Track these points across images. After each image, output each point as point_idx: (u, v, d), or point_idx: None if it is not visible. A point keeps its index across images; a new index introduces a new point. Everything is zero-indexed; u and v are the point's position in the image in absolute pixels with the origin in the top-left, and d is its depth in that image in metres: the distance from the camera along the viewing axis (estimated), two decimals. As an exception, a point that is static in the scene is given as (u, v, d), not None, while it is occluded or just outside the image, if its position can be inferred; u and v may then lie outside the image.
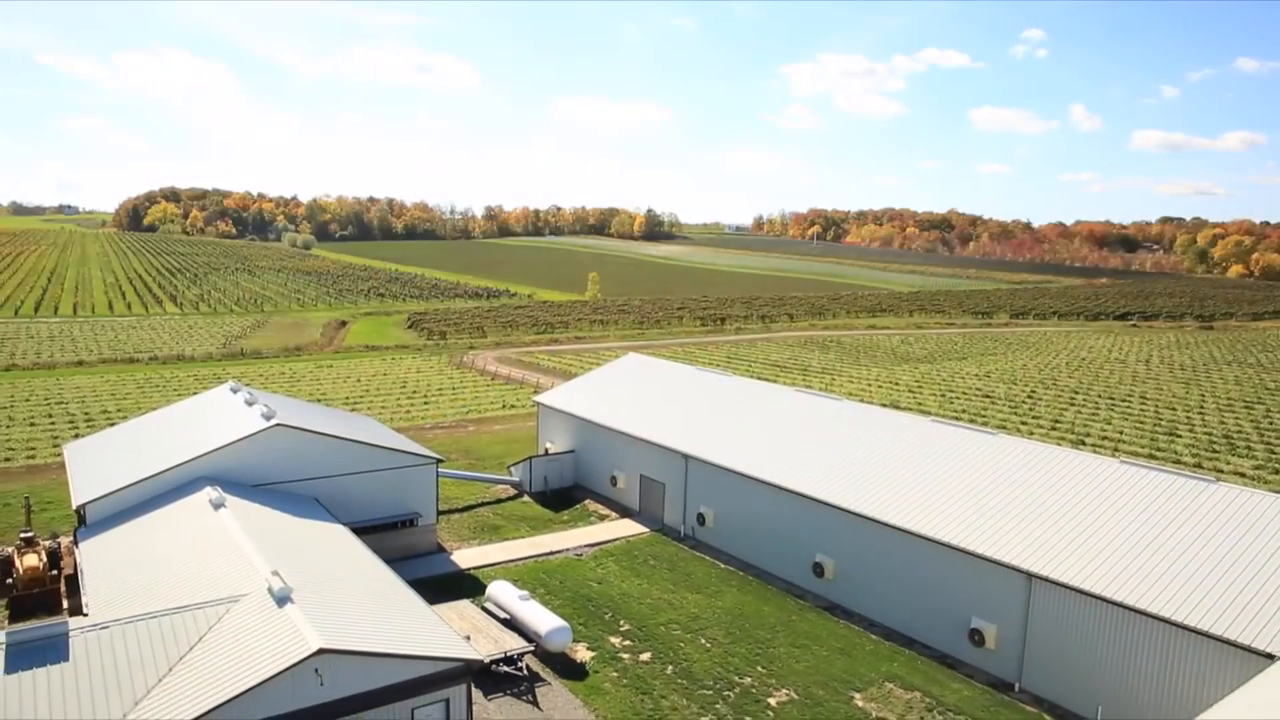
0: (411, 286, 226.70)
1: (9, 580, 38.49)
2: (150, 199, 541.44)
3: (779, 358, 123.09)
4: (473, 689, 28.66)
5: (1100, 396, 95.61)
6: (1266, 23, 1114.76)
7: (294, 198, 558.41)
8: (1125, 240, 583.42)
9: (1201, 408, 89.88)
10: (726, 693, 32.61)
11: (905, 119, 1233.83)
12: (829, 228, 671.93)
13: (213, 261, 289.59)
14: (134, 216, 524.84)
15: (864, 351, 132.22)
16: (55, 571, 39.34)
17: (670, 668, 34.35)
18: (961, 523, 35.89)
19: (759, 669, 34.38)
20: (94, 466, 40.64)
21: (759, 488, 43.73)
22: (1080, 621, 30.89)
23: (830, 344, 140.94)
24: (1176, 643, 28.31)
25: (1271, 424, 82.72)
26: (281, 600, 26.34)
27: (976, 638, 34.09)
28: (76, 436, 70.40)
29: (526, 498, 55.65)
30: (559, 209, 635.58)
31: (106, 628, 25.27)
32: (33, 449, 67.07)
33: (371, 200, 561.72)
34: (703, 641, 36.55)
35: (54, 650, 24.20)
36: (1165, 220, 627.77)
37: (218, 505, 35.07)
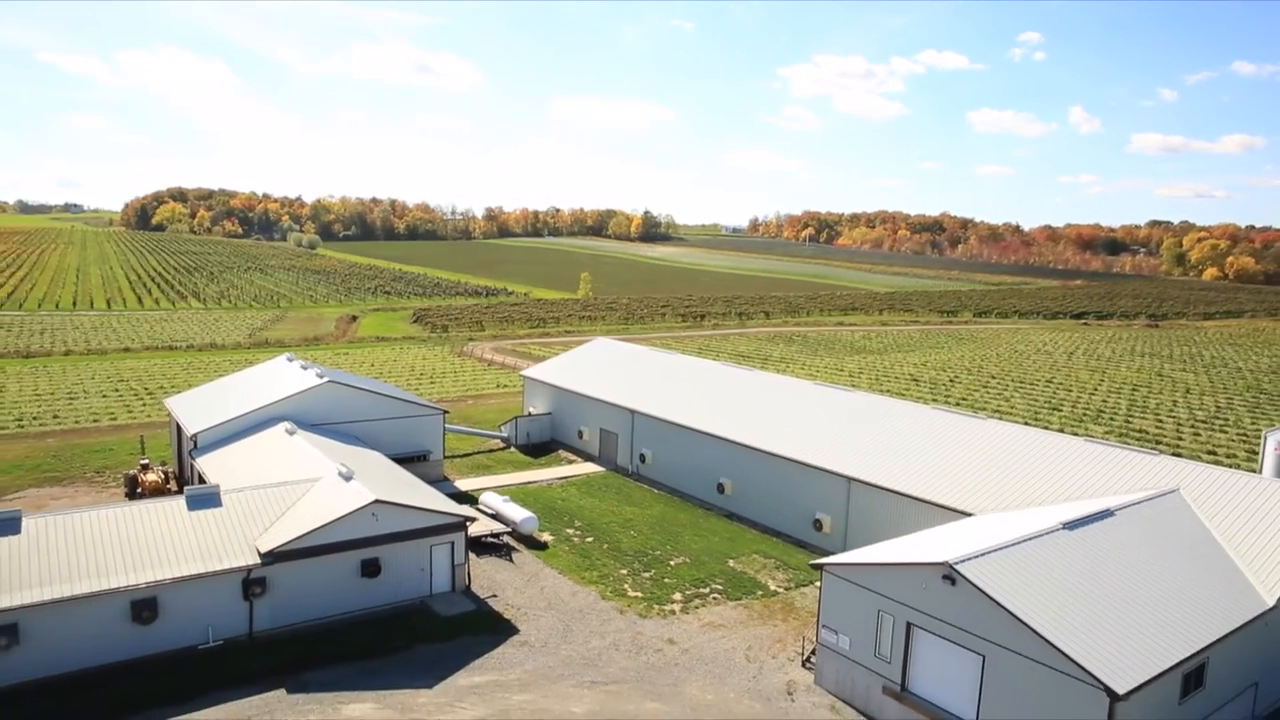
0: (415, 285, 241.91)
1: (138, 491, 53.61)
2: (158, 199, 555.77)
3: (745, 349, 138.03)
4: (468, 550, 43.71)
5: (1013, 381, 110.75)
6: (1262, 26, 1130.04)
7: (298, 198, 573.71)
8: (1113, 243, 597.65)
9: (1094, 390, 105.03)
10: (642, 558, 47.71)
11: (905, 120, 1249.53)
12: (822, 230, 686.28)
13: (225, 261, 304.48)
14: (142, 216, 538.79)
15: (824, 345, 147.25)
16: (169, 485, 54.62)
17: (606, 545, 49.48)
18: (815, 449, 50.98)
19: (667, 547, 49.52)
20: (194, 411, 55.79)
21: (684, 432, 58.90)
22: (877, 506, 45.89)
23: (796, 338, 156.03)
24: (925, 511, 43.20)
25: (1143, 403, 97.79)
26: (347, 478, 41.46)
27: (818, 525, 49.15)
28: (144, 406, 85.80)
29: (513, 449, 70.75)
30: (558, 210, 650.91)
31: (241, 491, 40.40)
32: (112, 414, 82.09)
33: (374, 201, 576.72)
34: (632, 533, 51.70)
35: (211, 500, 39.28)
36: (1154, 224, 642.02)
37: (291, 433, 50.23)
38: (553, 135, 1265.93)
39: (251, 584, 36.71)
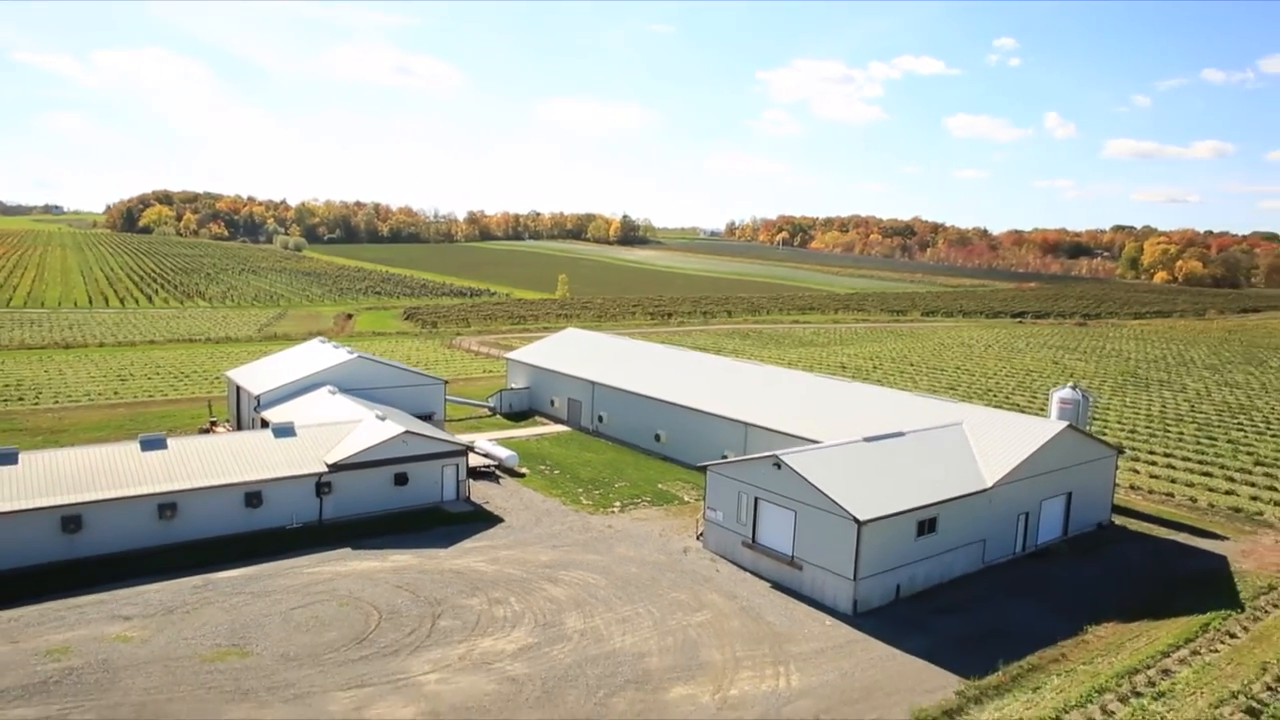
0: (403, 286, 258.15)
1: (213, 438, 70.26)
2: (144, 201, 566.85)
3: (704, 343, 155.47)
4: (468, 474, 60.79)
5: (928, 368, 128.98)
6: (1231, 34, 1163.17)
7: (283, 201, 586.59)
8: (1077, 247, 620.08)
9: (993, 375, 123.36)
10: (594, 483, 65.04)
11: (883, 125, 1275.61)
12: (796, 234, 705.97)
13: (218, 263, 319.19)
14: (128, 218, 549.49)
15: (775, 340, 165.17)
16: (236, 435, 71.39)
17: (568, 476, 66.82)
18: (725, 405, 68.50)
19: (614, 477, 66.92)
20: (253, 379, 72.61)
21: (632, 397, 76.31)
22: (764, 441, 63.21)
23: (752, 334, 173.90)
24: (793, 441, 60.45)
25: (1029, 384, 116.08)
26: (383, 419, 58.54)
27: (724, 458, 66.53)
28: (188, 385, 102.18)
29: (498, 415, 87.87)
30: (538, 214, 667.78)
31: (308, 427, 57.35)
32: (163, 392, 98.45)
33: (358, 204, 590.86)
34: (588, 468, 69.06)
35: (289, 432, 56.21)
36: (1118, 229, 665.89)
37: (333, 393, 67.24)
38: (533, 139, 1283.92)
39: (322, 485, 53.74)
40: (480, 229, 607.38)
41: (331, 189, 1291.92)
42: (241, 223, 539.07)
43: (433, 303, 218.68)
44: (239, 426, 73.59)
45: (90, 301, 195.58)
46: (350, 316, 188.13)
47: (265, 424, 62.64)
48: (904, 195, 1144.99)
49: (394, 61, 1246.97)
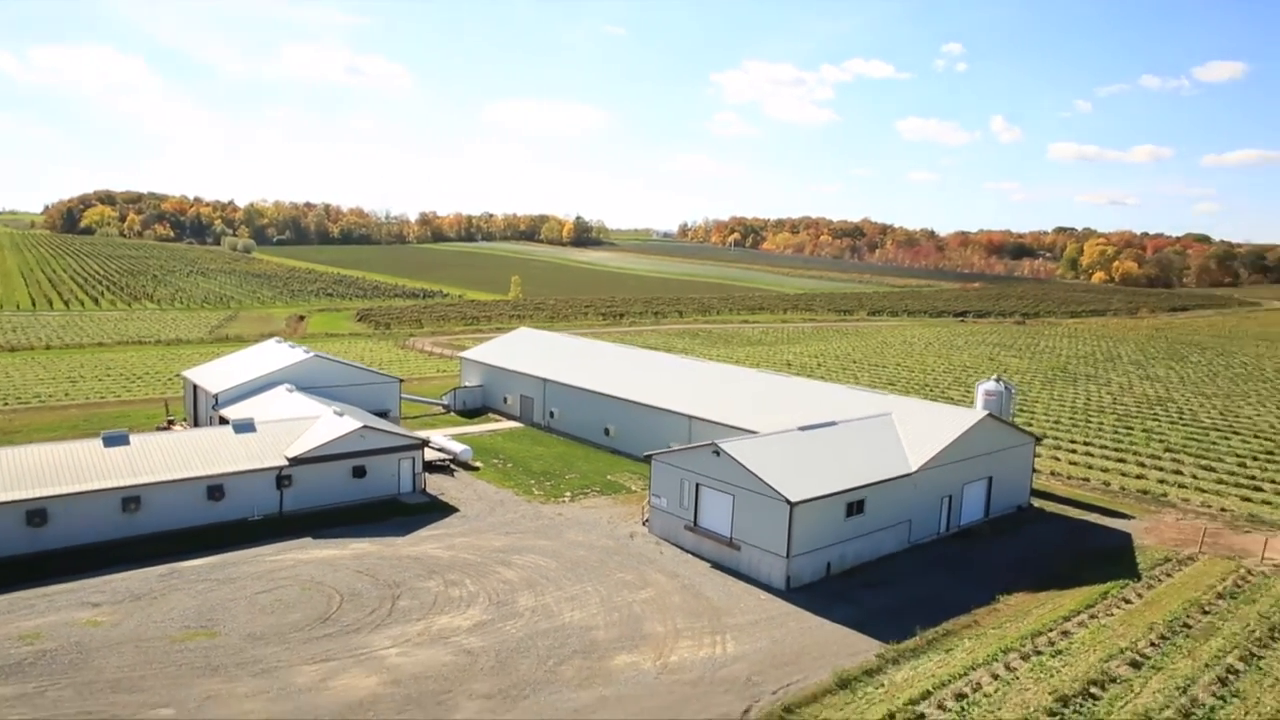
0: (355, 287, 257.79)
1: (171, 436, 71.67)
2: (85, 201, 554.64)
3: (655, 343, 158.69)
4: (424, 467, 63.18)
5: (870, 365, 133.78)
6: (1167, 43, 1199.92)
7: (230, 202, 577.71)
8: (1020, 248, 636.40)
9: (930, 371, 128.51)
10: (546, 475, 67.84)
11: (835, 127, 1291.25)
12: (748, 235, 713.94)
13: (165, 264, 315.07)
14: (68, 219, 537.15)
15: (724, 339, 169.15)
16: (193, 433, 72.82)
17: (520, 469, 69.54)
18: (670, 399, 71.74)
19: (565, 469, 69.78)
20: (210, 379, 74.08)
21: (582, 393, 79.21)
22: (707, 431, 66.48)
23: (702, 334, 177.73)
24: (733, 432, 63.95)
25: (964, 379, 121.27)
26: (341, 415, 60.72)
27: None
28: (141, 387, 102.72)
29: (452, 413, 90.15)
30: (491, 215, 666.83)
31: (268, 423, 59.34)
32: (115, 393, 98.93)
33: (308, 205, 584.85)
34: (540, 461, 71.84)
35: (250, 428, 58.14)
36: (1060, 230, 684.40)
37: (291, 391, 69.11)
38: (486, 139, 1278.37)
39: (282, 478, 55.81)
40: (433, 230, 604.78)
41: (281, 190, 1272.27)
42: (188, 224, 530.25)
43: (386, 304, 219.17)
44: (196, 425, 74.98)
45: (34, 304, 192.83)
46: (303, 318, 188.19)
47: (224, 421, 64.33)
48: (855, 197, 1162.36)
49: (345, 61, 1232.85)
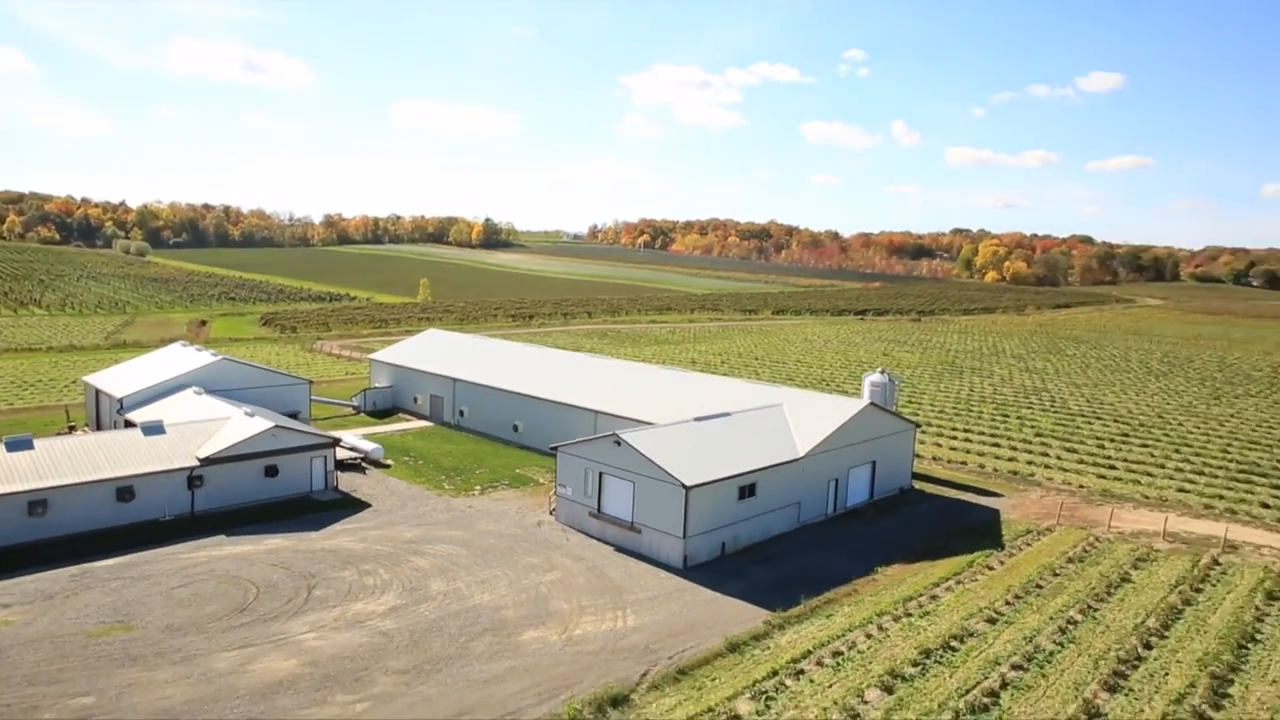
0: (259, 291, 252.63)
1: (74, 442, 71.17)
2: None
3: (564, 344, 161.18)
4: (336, 465, 64.67)
5: (772, 361, 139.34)
6: (1053, 54, 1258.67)
7: (122, 203, 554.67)
8: (919, 249, 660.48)
9: (827, 366, 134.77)
10: (456, 471, 70.04)
11: (742, 130, 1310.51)
12: (657, 236, 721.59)
13: (53, 268, 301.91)
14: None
15: (632, 339, 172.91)
16: (97, 438, 72.43)
17: (431, 465, 71.56)
18: (576, 395, 74.77)
19: (474, 465, 72.09)
20: (114, 383, 73.75)
21: (491, 391, 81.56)
22: (610, 424, 69.63)
23: (610, 334, 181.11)
24: (634, 424, 67.40)
25: (855, 374, 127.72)
26: (252, 415, 61.79)
27: (578, 445, 72.82)
28: (34, 395, 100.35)
29: (362, 414, 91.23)
30: (398, 217, 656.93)
31: (178, 425, 60.04)
32: (8, 401, 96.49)
33: (206, 207, 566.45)
34: (450, 458, 73.97)
35: (159, 430, 58.78)
36: (957, 231, 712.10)
37: (199, 394, 69.57)
38: (393, 140, 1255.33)
39: (194, 478, 56.72)
40: (338, 233, 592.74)
41: (177, 191, 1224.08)
42: (75, 226, 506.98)
43: (291, 308, 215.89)
44: (99, 430, 74.44)
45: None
46: (204, 323, 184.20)
47: (130, 425, 64.49)
48: (762, 199, 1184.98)
49: (241, 57, 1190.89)
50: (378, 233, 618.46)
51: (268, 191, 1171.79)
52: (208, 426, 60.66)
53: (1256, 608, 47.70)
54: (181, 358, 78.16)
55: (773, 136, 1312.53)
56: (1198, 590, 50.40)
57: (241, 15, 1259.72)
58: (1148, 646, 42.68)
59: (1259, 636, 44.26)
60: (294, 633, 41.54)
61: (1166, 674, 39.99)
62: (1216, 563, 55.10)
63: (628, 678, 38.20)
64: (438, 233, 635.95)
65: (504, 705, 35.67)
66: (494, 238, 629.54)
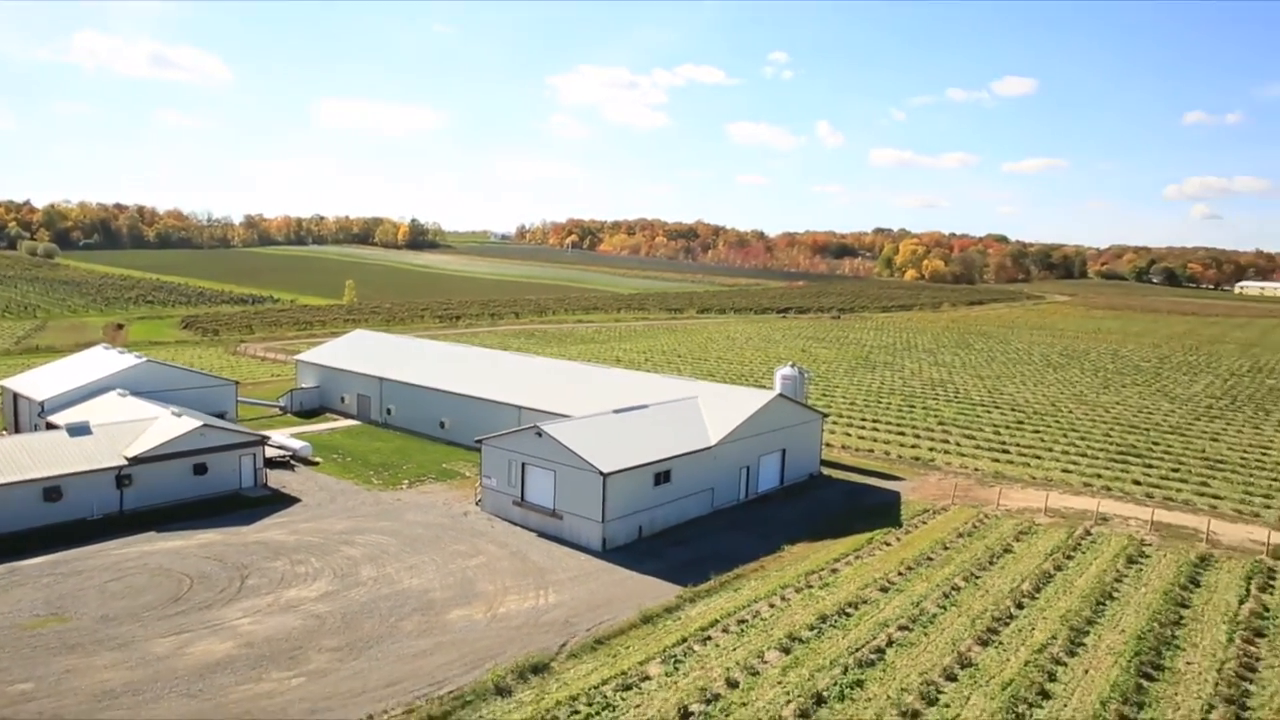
0: (178, 294, 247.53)
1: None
2: None
3: (491, 344, 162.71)
4: (264, 463, 66.16)
5: (694, 359, 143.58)
6: (969, 58, 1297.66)
7: (26, 203, 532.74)
8: (844, 248, 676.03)
9: (746, 363, 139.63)
10: (384, 466, 72.06)
11: (669, 131, 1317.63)
12: (585, 237, 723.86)
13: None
14: None
15: (558, 339, 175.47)
16: (19, 442, 72.31)
17: (359, 462, 73.43)
18: (500, 391, 77.41)
19: (402, 461, 74.18)
20: (34, 387, 73.70)
21: (418, 389, 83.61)
22: (533, 418, 72.60)
23: (537, 334, 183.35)
24: (555, 418, 70.46)
25: (770, 369, 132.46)
26: (179, 415, 62.94)
27: (503, 440, 75.49)
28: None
29: (289, 414, 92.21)
30: (322, 218, 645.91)
31: (104, 425, 60.88)
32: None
33: (119, 207, 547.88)
34: (378, 455, 75.89)
35: (85, 430, 59.59)
36: (879, 231, 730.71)
37: (124, 395, 70.17)
38: (316, 139, 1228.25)
39: (122, 478, 57.76)
40: (260, 234, 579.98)
41: (86, 191, 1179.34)
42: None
43: (212, 310, 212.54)
44: (18, 433, 74.21)
45: None
46: (121, 326, 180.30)
47: (53, 427, 64.88)
48: (690, 199, 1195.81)
49: (150, 51, 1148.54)
50: (301, 234, 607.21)
51: (185, 191, 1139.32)
52: (135, 426, 61.63)
53: (1117, 570, 53.09)
54: (104, 360, 78.30)
55: (700, 137, 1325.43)
56: (1069, 558, 55.66)
57: (149, 9, 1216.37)
58: (1020, 606, 47.46)
59: (1116, 595, 49.50)
60: (229, 619, 43.49)
61: (1033, 629, 44.73)
62: (1088, 533, 60.66)
63: (548, 648, 41.26)
64: (363, 233, 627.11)
65: (432, 675, 38.38)
66: (420, 238, 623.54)
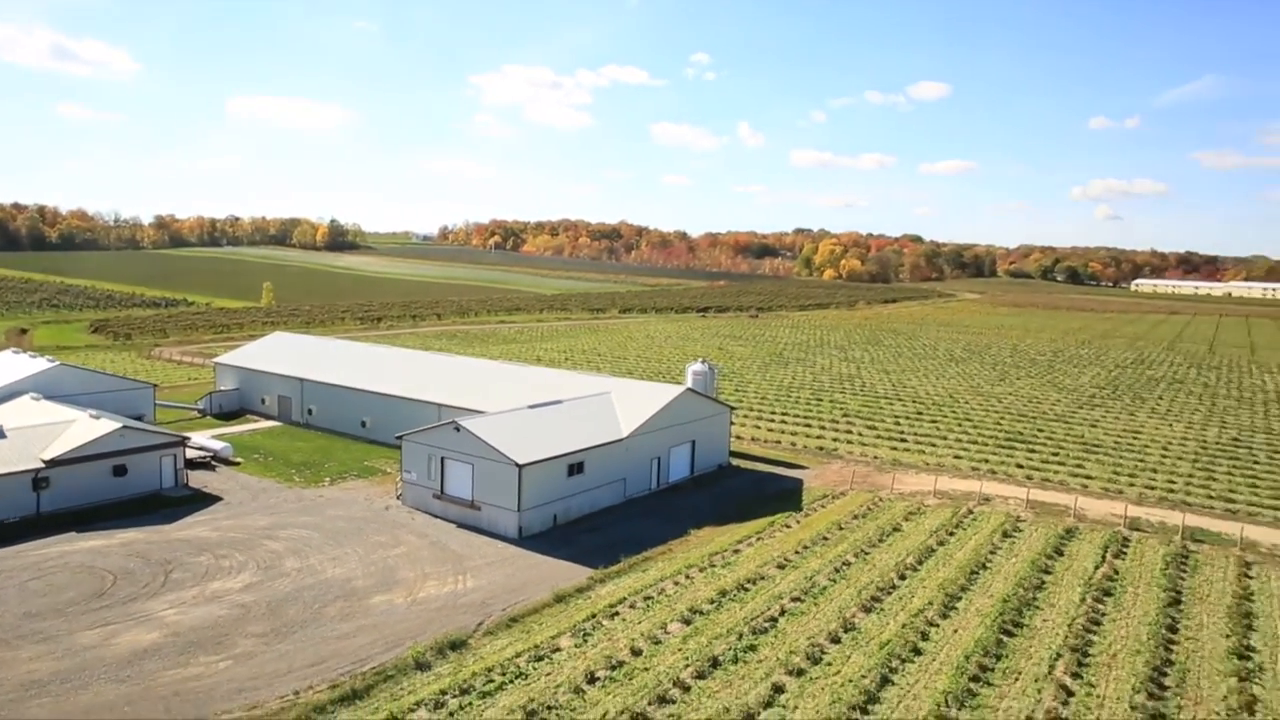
0: (85, 298, 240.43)
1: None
2: None
3: (413, 345, 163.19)
4: (184, 463, 67.07)
5: (613, 357, 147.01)
6: (885, 61, 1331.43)
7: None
8: (764, 248, 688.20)
9: (664, 360, 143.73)
10: (306, 465, 73.53)
11: (593, 131, 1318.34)
12: (509, 237, 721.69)
13: None
14: None
15: (481, 339, 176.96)
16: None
17: (281, 461, 74.70)
18: (419, 389, 79.48)
19: (324, 460, 75.70)
20: (-57, 392, 72.95)
21: (339, 389, 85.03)
22: (451, 415, 75.00)
23: (459, 335, 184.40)
24: (472, 415, 72.97)
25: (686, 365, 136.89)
26: (98, 418, 63.53)
27: (424, 437, 77.58)
28: None
29: (208, 417, 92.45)
30: (237, 219, 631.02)
31: (19, 429, 61.16)
32: None
33: (17, 207, 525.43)
34: (300, 454, 77.22)
35: (4, 437, 59.85)
36: (799, 231, 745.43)
37: (38, 399, 70.13)
38: (230, 138, 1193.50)
39: (39, 480, 58.27)
40: (171, 235, 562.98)
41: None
42: None
43: (123, 314, 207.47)
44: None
45: None
46: (25, 331, 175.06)
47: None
48: (613, 200, 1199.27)
49: (50, 42, 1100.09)
50: (215, 234, 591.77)
51: (90, 190, 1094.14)
52: (52, 429, 62.05)
53: (993, 544, 58.25)
54: (13, 364, 77.80)
55: (623, 137, 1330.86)
56: (951, 534, 60.68)
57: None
58: (902, 578, 52.02)
59: (989, 565, 54.53)
60: (155, 610, 45.07)
61: (913, 596, 49.26)
62: (971, 512, 65.95)
63: (465, 626, 44.03)
64: (280, 234, 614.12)
65: (355, 654, 40.81)
66: (340, 239, 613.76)
